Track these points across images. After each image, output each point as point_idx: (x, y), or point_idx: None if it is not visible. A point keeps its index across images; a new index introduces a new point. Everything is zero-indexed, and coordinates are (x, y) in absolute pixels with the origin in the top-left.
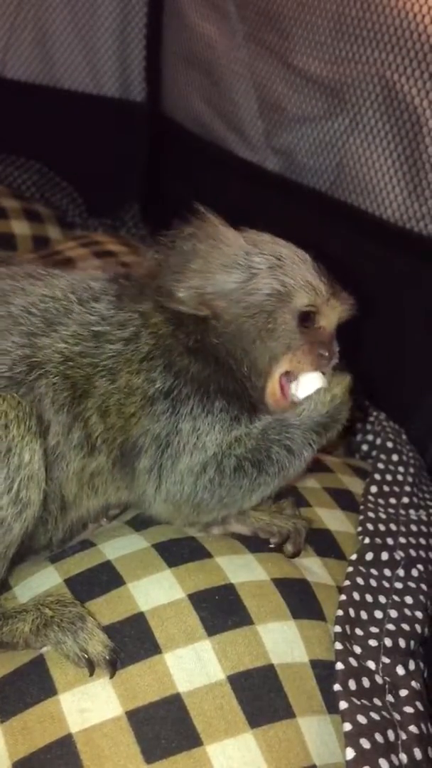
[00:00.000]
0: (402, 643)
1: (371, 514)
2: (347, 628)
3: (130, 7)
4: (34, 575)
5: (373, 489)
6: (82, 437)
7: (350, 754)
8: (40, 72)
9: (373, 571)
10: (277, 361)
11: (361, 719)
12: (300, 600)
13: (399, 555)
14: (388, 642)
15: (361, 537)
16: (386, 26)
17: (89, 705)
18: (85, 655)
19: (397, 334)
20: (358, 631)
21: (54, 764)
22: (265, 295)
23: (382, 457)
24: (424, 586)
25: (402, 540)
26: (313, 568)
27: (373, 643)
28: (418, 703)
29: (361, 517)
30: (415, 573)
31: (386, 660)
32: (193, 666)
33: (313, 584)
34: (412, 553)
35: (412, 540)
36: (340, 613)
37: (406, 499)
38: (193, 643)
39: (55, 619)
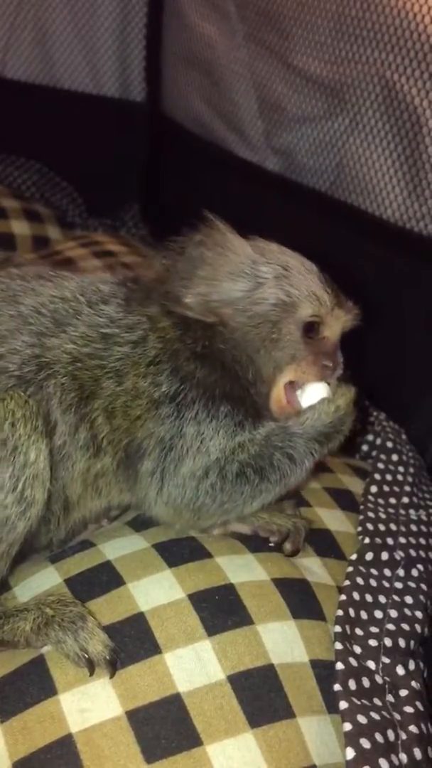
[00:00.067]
0: (402, 643)
1: (371, 514)
2: (347, 628)
3: (130, 7)
4: (34, 575)
5: (373, 489)
6: (88, 438)
7: (350, 754)
8: (40, 72)
9: (373, 571)
10: (281, 370)
11: (361, 719)
12: (300, 600)
13: (399, 555)
14: (388, 642)
15: (361, 537)
16: (386, 26)
17: (89, 705)
18: (86, 655)
19: (397, 334)
20: (358, 631)
21: (54, 764)
22: (271, 305)
23: (382, 457)
24: (424, 586)
25: (402, 540)
26: (313, 568)
27: (373, 643)
28: (418, 703)
29: (361, 517)
30: (415, 573)
31: (386, 660)
32: (193, 666)
33: (313, 584)
34: (412, 553)
35: (412, 540)
36: (340, 613)
37: (406, 499)
38: (193, 643)
39: (56, 618)
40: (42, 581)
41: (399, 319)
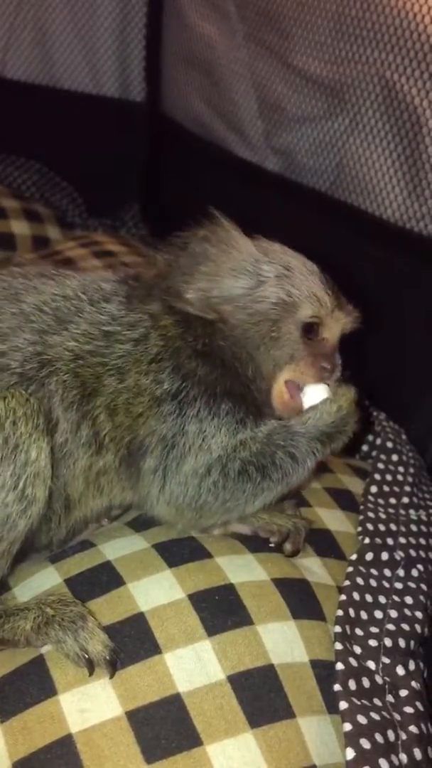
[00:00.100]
0: (402, 643)
1: (371, 514)
2: (347, 628)
3: (130, 7)
4: (34, 575)
5: (373, 489)
6: (90, 435)
7: (350, 754)
8: (40, 72)
9: (373, 571)
10: (281, 369)
11: (361, 719)
12: (300, 600)
13: (399, 555)
14: (388, 642)
15: (361, 537)
16: (386, 26)
17: (89, 705)
18: (86, 655)
19: (397, 334)
20: (358, 631)
21: (54, 764)
22: (271, 304)
23: (382, 457)
24: (424, 586)
25: (402, 540)
26: (313, 568)
27: (373, 643)
28: (418, 704)
29: (361, 517)
30: (415, 573)
31: (386, 660)
32: (193, 666)
33: (313, 584)
34: (412, 553)
35: (412, 540)
36: (340, 613)
37: (406, 499)
38: (193, 643)
39: (56, 617)
40: (42, 581)
41: (399, 319)
